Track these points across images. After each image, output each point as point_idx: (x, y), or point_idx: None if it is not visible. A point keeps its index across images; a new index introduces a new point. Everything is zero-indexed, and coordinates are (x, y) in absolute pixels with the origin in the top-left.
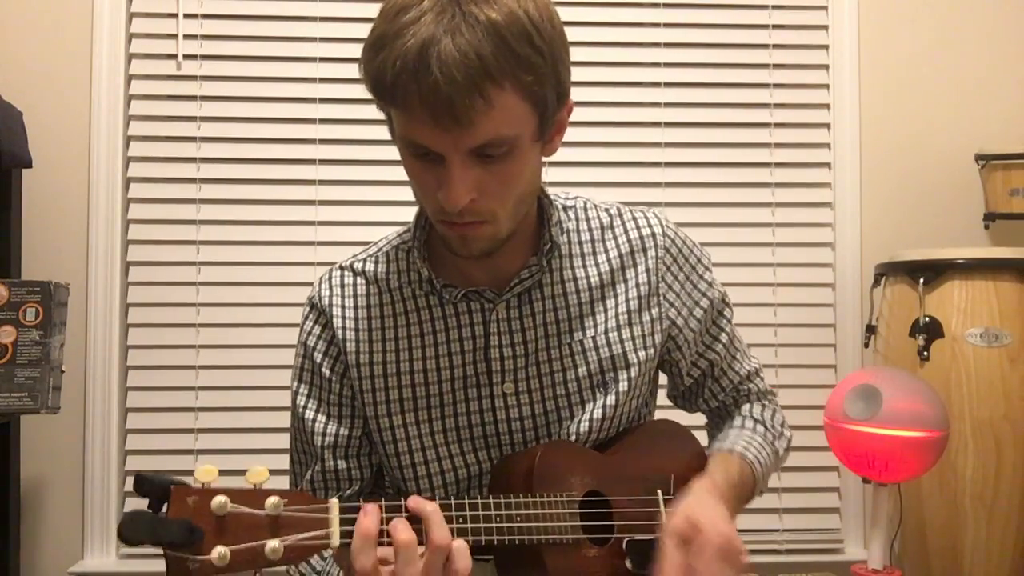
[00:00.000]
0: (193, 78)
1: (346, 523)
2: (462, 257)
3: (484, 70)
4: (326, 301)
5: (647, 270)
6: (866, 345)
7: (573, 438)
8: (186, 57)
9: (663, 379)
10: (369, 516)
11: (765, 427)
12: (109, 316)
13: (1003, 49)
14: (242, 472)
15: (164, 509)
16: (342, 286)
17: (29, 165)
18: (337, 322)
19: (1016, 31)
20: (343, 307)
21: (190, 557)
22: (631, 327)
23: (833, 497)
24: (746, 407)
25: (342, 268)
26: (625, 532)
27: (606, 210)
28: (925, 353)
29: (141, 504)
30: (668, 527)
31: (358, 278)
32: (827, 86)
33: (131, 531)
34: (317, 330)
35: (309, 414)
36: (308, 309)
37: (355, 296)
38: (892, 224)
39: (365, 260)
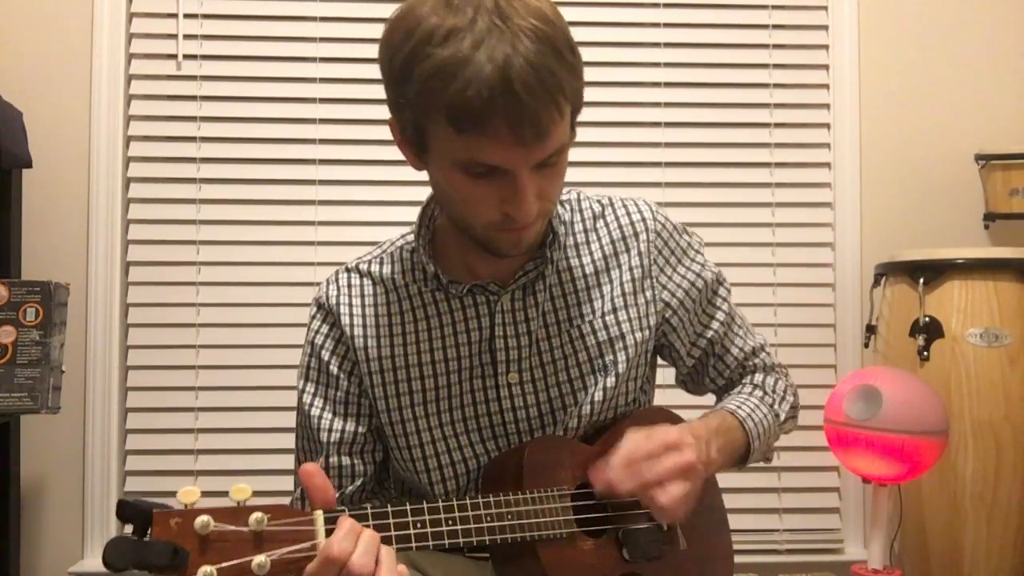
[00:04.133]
0: (193, 78)
1: (331, 533)
2: (512, 256)
3: (558, 83)
4: (333, 300)
5: (639, 254)
6: (866, 345)
7: (576, 421)
8: (186, 57)
9: (671, 372)
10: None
11: (764, 391)
12: (109, 316)
13: (1003, 49)
14: (242, 472)
15: (148, 534)
16: (348, 286)
17: (29, 165)
18: (345, 320)
19: (1016, 31)
20: (350, 305)
21: None
22: (627, 309)
23: (833, 497)
24: (747, 377)
25: (348, 270)
26: (619, 522)
27: (598, 200)
28: (925, 353)
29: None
30: (627, 434)
31: (364, 279)
32: (827, 86)
33: (115, 557)
34: (325, 328)
35: (315, 411)
36: (315, 309)
37: (362, 295)
38: (892, 224)
39: (370, 261)
